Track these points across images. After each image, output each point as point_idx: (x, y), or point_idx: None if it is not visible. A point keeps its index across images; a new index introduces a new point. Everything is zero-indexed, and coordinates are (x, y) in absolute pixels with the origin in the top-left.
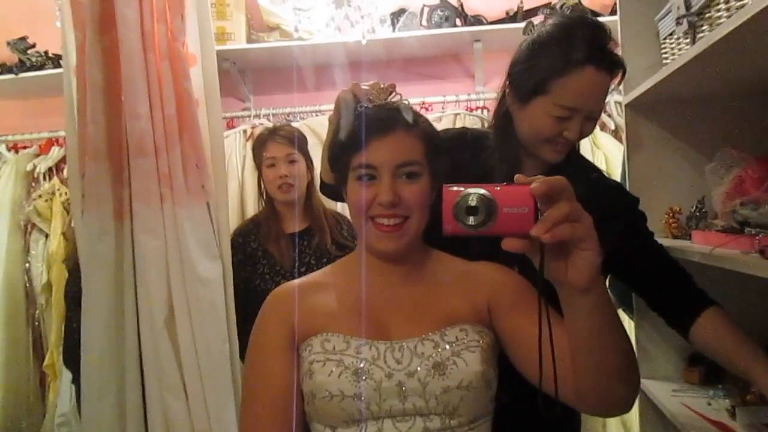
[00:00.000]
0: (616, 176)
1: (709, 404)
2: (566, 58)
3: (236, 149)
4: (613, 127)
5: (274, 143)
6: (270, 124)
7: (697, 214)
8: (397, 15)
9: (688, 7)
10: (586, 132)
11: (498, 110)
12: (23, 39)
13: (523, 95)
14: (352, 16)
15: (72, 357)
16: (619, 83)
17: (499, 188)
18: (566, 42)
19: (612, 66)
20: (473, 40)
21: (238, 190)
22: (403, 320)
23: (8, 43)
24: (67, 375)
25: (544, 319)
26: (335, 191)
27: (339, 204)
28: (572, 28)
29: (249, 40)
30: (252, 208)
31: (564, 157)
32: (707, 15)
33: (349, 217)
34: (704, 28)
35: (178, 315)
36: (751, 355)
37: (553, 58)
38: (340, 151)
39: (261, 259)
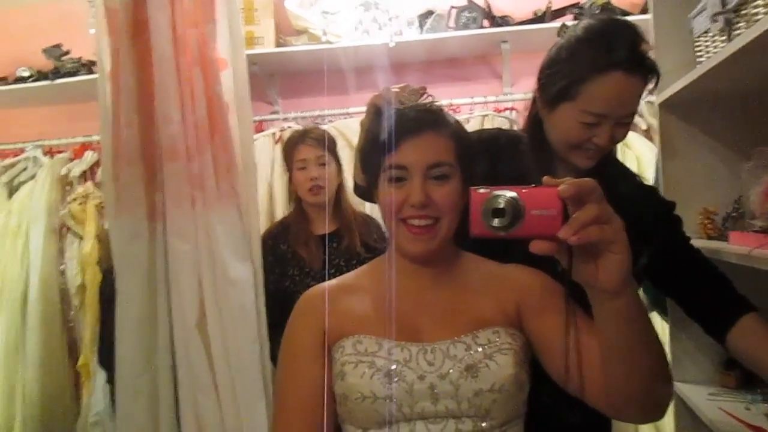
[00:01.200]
0: (649, 176)
1: (748, 409)
2: (593, 62)
3: (265, 152)
4: (644, 127)
5: (305, 146)
6: (299, 127)
7: (734, 214)
8: (424, 17)
9: (724, 4)
10: (617, 138)
11: (530, 114)
12: (58, 46)
13: (551, 100)
14: (379, 18)
15: (107, 357)
16: (654, 88)
17: (526, 190)
18: (594, 45)
19: (643, 70)
20: (501, 41)
21: (267, 193)
22: (435, 322)
23: (44, 51)
24: (101, 375)
25: (571, 322)
26: (367, 193)
27: (368, 205)
28: (601, 30)
29: (277, 44)
30: (281, 211)
31: (596, 163)
32: (744, 12)
33: (377, 219)
34: (741, 25)
35: (210, 316)
36: None
37: (579, 62)
38: (371, 152)
39: (291, 261)
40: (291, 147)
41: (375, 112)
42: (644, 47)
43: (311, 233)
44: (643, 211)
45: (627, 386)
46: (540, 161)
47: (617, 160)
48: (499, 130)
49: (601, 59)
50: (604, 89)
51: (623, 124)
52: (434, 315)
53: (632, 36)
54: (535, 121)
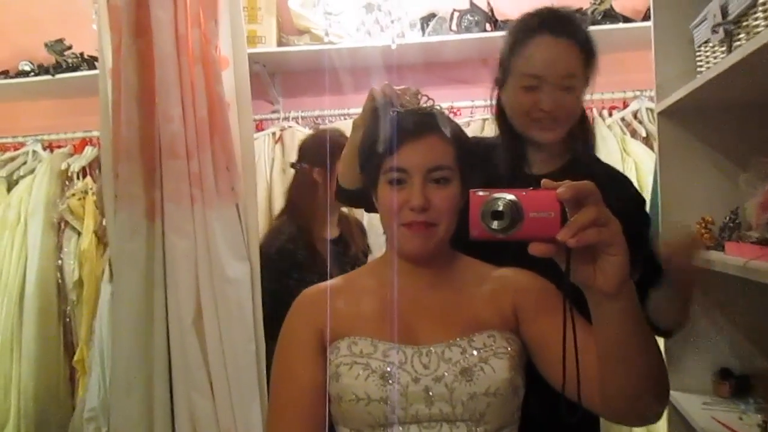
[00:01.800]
0: (647, 184)
1: (741, 419)
2: (522, 32)
3: (265, 151)
4: (644, 134)
5: None
6: (299, 127)
7: (731, 224)
8: (427, 19)
9: (724, 15)
10: (563, 104)
11: (496, 111)
12: (60, 41)
13: (500, 80)
14: (382, 20)
15: None
16: (592, 60)
17: (525, 193)
18: (521, 21)
19: (570, 32)
20: None
21: (266, 192)
22: (431, 325)
23: (46, 45)
24: (96, 371)
25: (568, 324)
26: (352, 197)
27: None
28: (527, 13)
29: (279, 44)
30: (279, 210)
31: (556, 136)
32: (744, 23)
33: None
34: (741, 36)
35: (206, 314)
36: None
37: (513, 35)
38: (371, 154)
39: (311, 265)
40: (321, 145)
41: (372, 111)
42: (568, 16)
43: (323, 237)
44: (614, 196)
45: (623, 388)
46: (510, 149)
47: (594, 154)
48: (475, 137)
49: (527, 28)
50: (534, 51)
51: (565, 88)
52: (430, 317)
53: (553, 10)
54: (500, 111)
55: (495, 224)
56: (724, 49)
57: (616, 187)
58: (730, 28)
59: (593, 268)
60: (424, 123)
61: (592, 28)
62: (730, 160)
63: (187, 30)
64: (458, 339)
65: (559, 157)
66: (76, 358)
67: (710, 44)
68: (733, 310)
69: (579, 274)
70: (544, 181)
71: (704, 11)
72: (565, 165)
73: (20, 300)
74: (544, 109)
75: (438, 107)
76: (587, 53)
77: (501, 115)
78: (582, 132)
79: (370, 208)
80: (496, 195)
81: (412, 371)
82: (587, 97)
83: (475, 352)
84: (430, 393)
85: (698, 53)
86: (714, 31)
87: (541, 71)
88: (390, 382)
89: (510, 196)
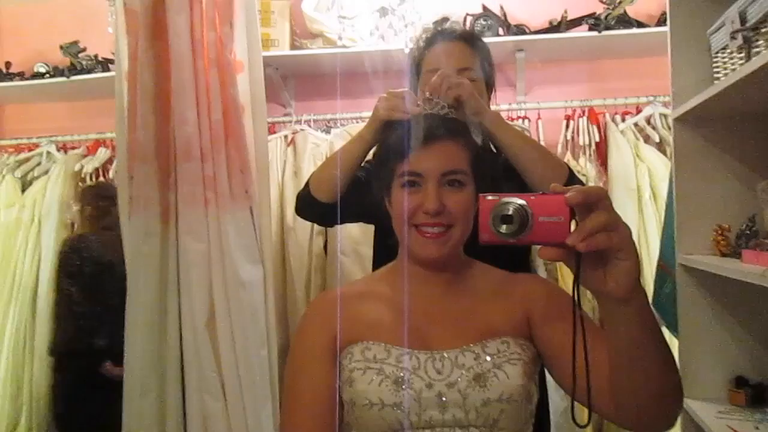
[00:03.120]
0: (661, 189)
1: (757, 428)
2: (424, 46)
3: (277, 154)
4: (657, 140)
5: None
6: (312, 130)
7: (748, 232)
8: (440, 23)
9: (743, 21)
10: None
11: None
12: (75, 43)
13: (418, 80)
14: (395, 24)
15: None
16: (477, 49)
17: (534, 197)
18: (426, 39)
19: (461, 36)
20: (516, 50)
21: (278, 195)
22: (444, 331)
23: (61, 47)
24: None
25: (578, 329)
26: (322, 212)
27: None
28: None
29: (292, 47)
30: (291, 213)
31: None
32: (763, 30)
33: None
34: (760, 43)
35: (219, 317)
36: None
37: (420, 49)
38: (386, 158)
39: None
40: None
41: (380, 123)
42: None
43: None
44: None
45: (636, 395)
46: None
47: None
48: None
49: (427, 43)
50: (430, 57)
51: (465, 71)
52: (444, 323)
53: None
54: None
55: (504, 228)
56: (742, 55)
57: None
58: (749, 35)
59: (603, 272)
60: (440, 127)
61: (606, 32)
62: (747, 167)
63: (203, 34)
64: (472, 345)
65: None
66: None
67: (728, 51)
68: (750, 317)
69: (589, 280)
70: (553, 185)
71: (722, 17)
72: None
73: (33, 300)
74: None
75: (451, 111)
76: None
77: None
78: None
79: (334, 222)
80: (506, 199)
81: (425, 377)
82: (601, 101)
83: (488, 358)
84: (444, 399)
85: (715, 60)
86: (732, 38)
87: (437, 65)
88: (403, 387)
89: (519, 201)
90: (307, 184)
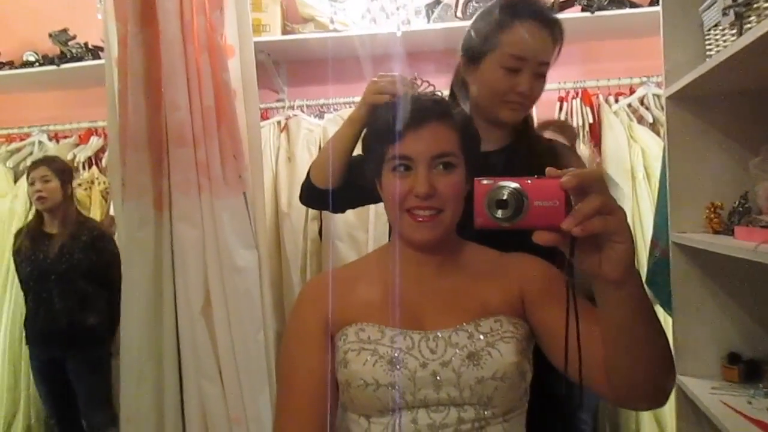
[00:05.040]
0: (654, 169)
1: (750, 403)
2: (512, 13)
3: (270, 140)
4: (650, 120)
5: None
6: (305, 116)
7: (740, 209)
8: (432, 6)
9: None
10: (536, 90)
11: (452, 87)
12: (64, 31)
13: (477, 56)
14: (387, 7)
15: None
16: (559, 50)
17: (530, 181)
18: (511, 2)
19: (551, 23)
20: None
21: (272, 181)
22: (437, 311)
23: (50, 35)
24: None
25: (571, 309)
26: (322, 197)
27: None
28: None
29: (284, 32)
30: (285, 199)
31: (521, 118)
32: (755, 5)
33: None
34: (752, 19)
35: (215, 303)
36: None
37: (500, 15)
38: (375, 142)
39: None
40: None
41: (370, 106)
42: (549, 9)
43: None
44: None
45: (630, 375)
46: None
47: (537, 133)
48: None
49: (518, 10)
50: (522, 34)
51: (540, 75)
52: (437, 303)
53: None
54: (460, 86)
55: (500, 213)
56: (734, 32)
57: (558, 157)
58: (741, 11)
59: (598, 255)
60: (428, 110)
61: (599, 13)
62: (740, 144)
63: (193, 18)
64: (465, 324)
65: (506, 136)
66: None
67: (720, 27)
68: (743, 294)
69: (584, 262)
70: (548, 169)
71: None
72: (511, 142)
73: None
74: (522, 91)
75: (439, 93)
76: (559, 46)
77: (459, 92)
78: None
79: (337, 209)
80: (501, 183)
81: (419, 356)
82: (594, 82)
83: (482, 337)
84: (438, 377)
85: (708, 37)
86: (724, 14)
87: (527, 55)
88: (398, 367)
89: (514, 185)
90: (308, 173)
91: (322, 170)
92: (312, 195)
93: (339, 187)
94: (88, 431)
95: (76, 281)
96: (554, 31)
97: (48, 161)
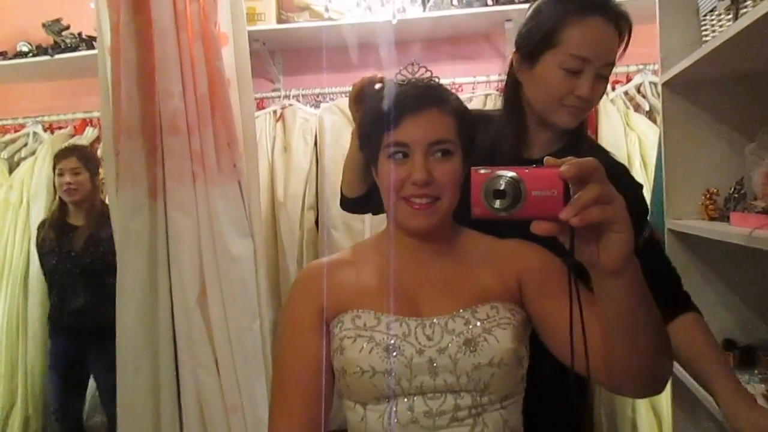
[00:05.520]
0: (651, 158)
1: None
2: (574, 6)
3: (266, 130)
4: (647, 108)
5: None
6: (300, 105)
7: (736, 195)
8: None
9: None
10: (597, 92)
11: (507, 83)
12: (58, 21)
13: (533, 53)
14: None
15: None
16: (626, 46)
17: (528, 171)
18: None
19: (619, 19)
20: (504, 20)
21: (268, 171)
22: (434, 297)
23: (44, 25)
24: None
25: (574, 299)
26: (357, 204)
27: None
28: None
29: (279, 21)
30: (281, 188)
31: (577, 123)
32: None
33: None
34: (748, 3)
35: (210, 292)
36: (717, 370)
37: (562, 8)
38: (371, 129)
39: None
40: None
41: (358, 97)
42: (617, 3)
43: None
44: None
45: (628, 363)
46: (516, 130)
47: (590, 136)
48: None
49: (582, 4)
50: (586, 31)
51: (603, 77)
52: (433, 290)
53: None
54: (513, 87)
55: (497, 203)
56: (730, 17)
57: (612, 176)
58: None
59: (597, 245)
60: (425, 96)
61: None
62: (735, 130)
63: (186, 6)
64: (462, 310)
65: (558, 140)
66: None
67: (716, 12)
68: (738, 280)
69: (583, 252)
70: (546, 158)
71: None
72: (561, 148)
73: (25, 281)
74: (582, 95)
75: (436, 79)
76: (625, 44)
77: (514, 93)
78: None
79: (377, 211)
80: (498, 173)
81: (416, 343)
82: None
83: (478, 323)
84: (435, 364)
85: (703, 22)
86: None
87: (590, 55)
88: (394, 354)
89: (512, 174)
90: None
91: (346, 182)
92: (348, 204)
93: (369, 191)
94: (107, 422)
95: (101, 274)
96: (621, 27)
97: (78, 150)
